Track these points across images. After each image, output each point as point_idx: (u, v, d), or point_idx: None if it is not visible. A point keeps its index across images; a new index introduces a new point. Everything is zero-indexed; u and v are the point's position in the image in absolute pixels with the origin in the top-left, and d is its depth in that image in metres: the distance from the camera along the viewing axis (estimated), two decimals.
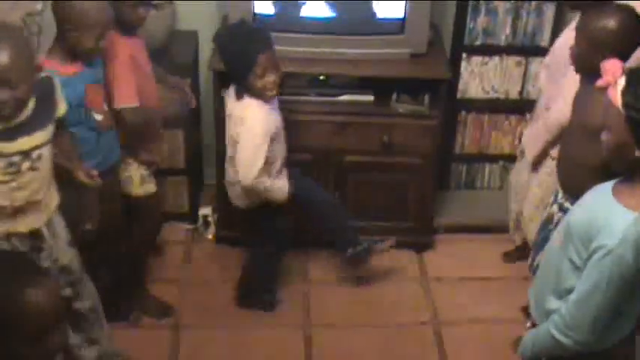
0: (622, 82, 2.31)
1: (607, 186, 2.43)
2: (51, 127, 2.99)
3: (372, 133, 4.09)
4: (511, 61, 4.37)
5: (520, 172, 3.94)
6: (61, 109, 3.08)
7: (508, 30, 4.30)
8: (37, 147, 2.92)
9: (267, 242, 3.90)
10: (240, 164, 3.57)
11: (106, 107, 3.39)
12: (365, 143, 4.10)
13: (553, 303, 2.56)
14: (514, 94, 4.48)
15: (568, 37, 3.35)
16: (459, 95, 4.49)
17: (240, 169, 3.57)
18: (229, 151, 3.71)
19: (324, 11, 4.01)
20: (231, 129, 3.66)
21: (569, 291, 2.48)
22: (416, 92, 4.11)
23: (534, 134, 3.70)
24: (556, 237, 2.64)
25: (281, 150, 3.71)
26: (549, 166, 3.63)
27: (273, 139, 3.59)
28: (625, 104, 2.28)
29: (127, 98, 3.45)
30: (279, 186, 3.68)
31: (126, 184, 3.68)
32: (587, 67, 3.04)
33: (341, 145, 4.11)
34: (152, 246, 4.06)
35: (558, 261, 2.54)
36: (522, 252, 4.10)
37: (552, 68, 3.68)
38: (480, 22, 4.29)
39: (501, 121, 4.55)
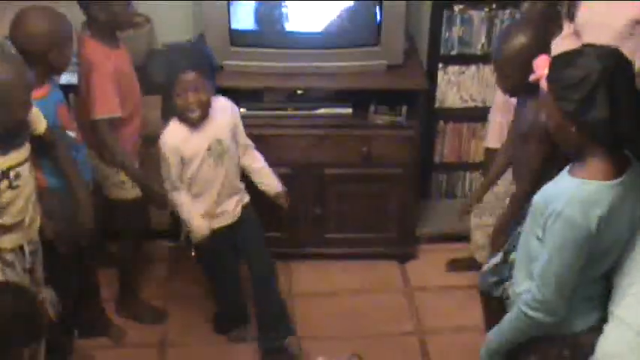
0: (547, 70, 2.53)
1: (566, 168, 2.58)
2: (26, 147, 3.03)
3: (351, 145, 4.10)
4: (487, 69, 4.38)
5: None
6: (39, 128, 3.11)
7: (483, 39, 4.33)
8: (12, 167, 2.96)
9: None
10: None
11: (75, 124, 3.41)
12: (344, 155, 4.11)
13: (524, 285, 2.63)
14: (491, 102, 4.49)
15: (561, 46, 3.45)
16: (436, 105, 4.51)
17: None
18: None
19: (299, 26, 4.03)
20: None
21: None
22: (393, 103, 4.12)
23: None
24: (525, 224, 2.72)
25: (201, 177, 3.61)
26: None
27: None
28: (548, 87, 2.49)
29: (102, 110, 3.46)
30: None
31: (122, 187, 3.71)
32: (521, 88, 3.14)
33: (320, 158, 4.13)
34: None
35: (527, 242, 2.64)
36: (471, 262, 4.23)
37: None
38: (455, 31, 4.32)
39: (480, 130, 4.55)
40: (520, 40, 3.09)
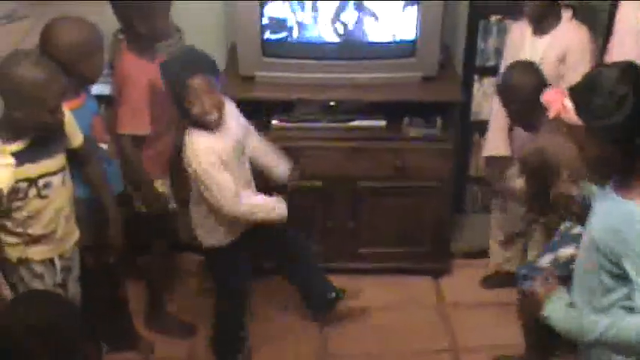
0: (567, 102, 2.41)
1: (607, 193, 2.48)
2: (60, 157, 3.01)
3: (385, 158, 4.05)
4: None
5: None
6: (75, 141, 3.10)
7: None
8: (43, 175, 2.93)
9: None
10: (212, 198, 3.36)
11: (107, 137, 3.39)
12: (378, 168, 4.06)
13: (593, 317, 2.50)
14: None
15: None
16: (472, 117, 4.45)
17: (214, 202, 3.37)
18: None
19: (333, 37, 3.98)
20: None
21: (615, 302, 2.46)
22: (428, 115, 4.08)
23: None
24: (582, 256, 2.62)
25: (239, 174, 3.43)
26: None
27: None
28: (585, 121, 2.36)
29: (129, 125, 3.43)
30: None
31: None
32: (527, 119, 3.57)
33: (354, 170, 4.08)
34: None
35: (594, 279, 2.52)
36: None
37: None
38: (491, 42, 4.28)
39: None
40: (519, 76, 3.49)
